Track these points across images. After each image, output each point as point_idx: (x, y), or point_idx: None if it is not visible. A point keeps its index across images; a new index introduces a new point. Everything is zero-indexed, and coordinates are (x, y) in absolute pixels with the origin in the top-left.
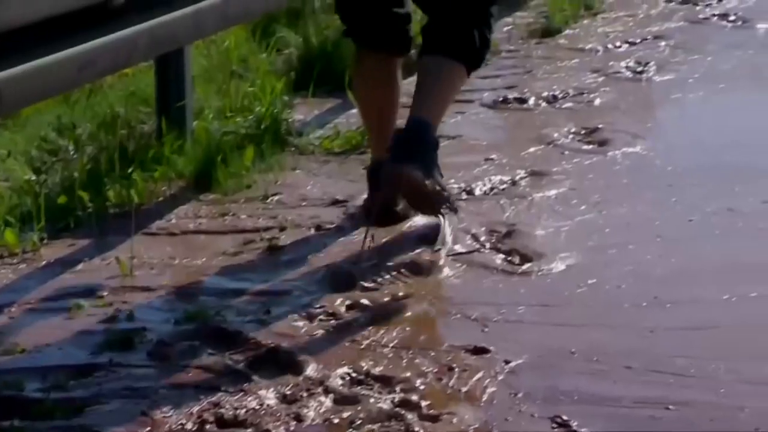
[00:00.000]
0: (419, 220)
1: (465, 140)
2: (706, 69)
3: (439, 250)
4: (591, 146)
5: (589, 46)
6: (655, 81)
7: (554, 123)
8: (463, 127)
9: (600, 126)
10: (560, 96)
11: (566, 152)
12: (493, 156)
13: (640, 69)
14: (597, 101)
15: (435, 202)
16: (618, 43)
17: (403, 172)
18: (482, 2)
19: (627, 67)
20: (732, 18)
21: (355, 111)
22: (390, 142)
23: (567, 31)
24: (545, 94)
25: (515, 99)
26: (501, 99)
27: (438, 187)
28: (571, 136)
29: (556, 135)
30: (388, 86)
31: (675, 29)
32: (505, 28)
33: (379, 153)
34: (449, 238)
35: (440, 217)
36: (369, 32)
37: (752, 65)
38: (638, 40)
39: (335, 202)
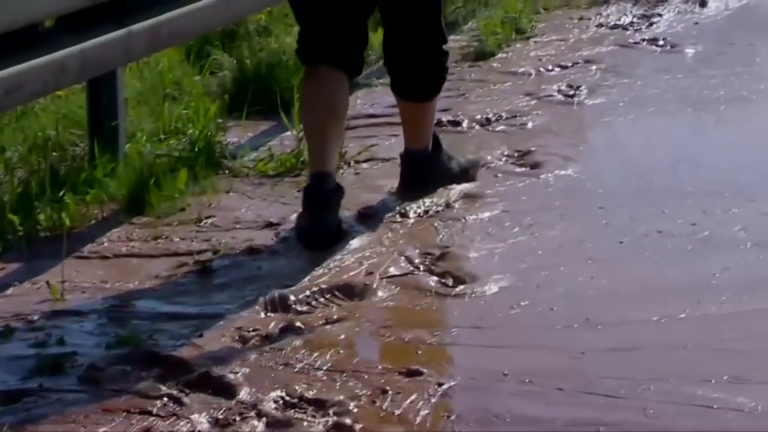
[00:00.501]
0: (355, 242)
1: (398, 161)
2: (636, 92)
3: None
4: (524, 169)
5: (522, 69)
6: (587, 104)
7: (487, 146)
8: (396, 149)
9: (532, 149)
10: (493, 119)
11: (499, 175)
12: None
13: (571, 92)
14: (530, 124)
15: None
16: (550, 67)
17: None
18: (436, 35)
19: (559, 91)
20: (661, 43)
21: (289, 133)
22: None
23: (500, 55)
24: (478, 116)
25: (449, 122)
26: (435, 122)
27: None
28: (504, 158)
29: (489, 158)
30: (337, 105)
31: (606, 53)
32: None
33: (313, 166)
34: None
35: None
36: (333, 51)
37: (680, 89)
38: (570, 64)
39: (269, 225)
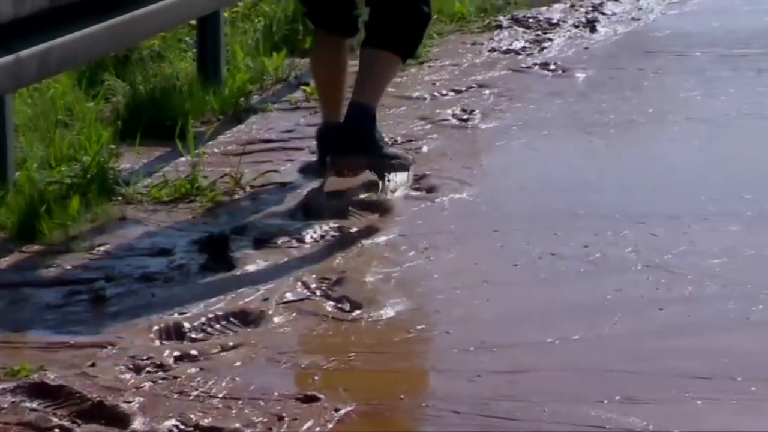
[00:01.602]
0: (251, 268)
1: (295, 186)
2: (528, 116)
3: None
4: (419, 193)
5: (417, 94)
6: (481, 128)
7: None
8: (292, 173)
9: (428, 173)
10: (389, 143)
11: (395, 199)
12: None
13: (465, 117)
14: (425, 148)
15: (377, 172)
16: (444, 91)
17: (345, 163)
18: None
19: (453, 115)
20: (552, 67)
21: (183, 159)
22: (334, 130)
23: (394, 80)
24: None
25: None
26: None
27: (377, 160)
28: (400, 182)
29: (386, 182)
30: (338, 63)
31: (499, 78)
32: None
33: (327, 118)
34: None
35: (387, 177)
36: (328, 18)
37: (572, 113)
38: (464, 89)
39: (163, 252)
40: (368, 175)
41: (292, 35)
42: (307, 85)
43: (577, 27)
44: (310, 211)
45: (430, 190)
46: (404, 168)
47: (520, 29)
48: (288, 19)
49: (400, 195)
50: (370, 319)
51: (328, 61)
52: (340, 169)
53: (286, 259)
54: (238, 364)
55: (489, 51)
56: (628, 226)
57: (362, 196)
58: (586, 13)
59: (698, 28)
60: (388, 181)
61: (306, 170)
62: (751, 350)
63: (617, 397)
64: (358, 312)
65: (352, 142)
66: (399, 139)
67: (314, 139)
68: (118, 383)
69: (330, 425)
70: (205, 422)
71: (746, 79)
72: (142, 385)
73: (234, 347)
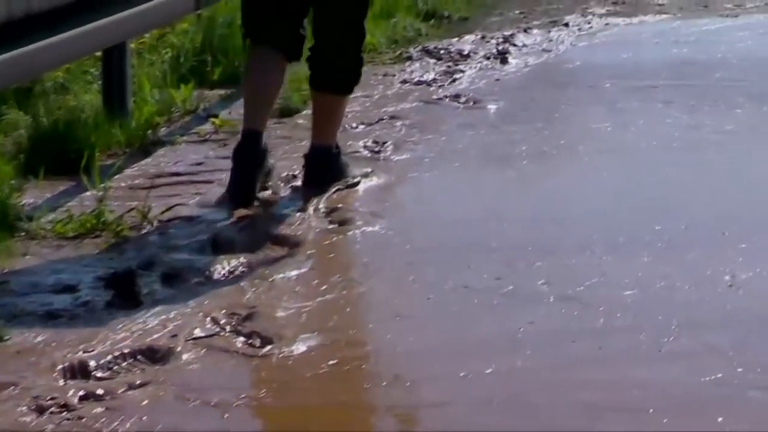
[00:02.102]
0: (158, 304)
1: (204, 220)
2: (440, 148)
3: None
4: (331, 225)
5: None
6: (393, 160)
7: (295, 203)
8: (201, 207)
9: (340, 205)
10: (299, 176)
11: (307, 232)
12: None
13: (377, 149)
14: None
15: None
16: (355, 124)
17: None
18: (353, 35)
19: (365, 147)
20: (463, 99)
21: (89, 194)
22: (303, 164)
23: (305, 111)
24: (285, 174)
25: None
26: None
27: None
28: (310, 214)
29: (297, 215)
30: (277, 78)
31: (410, 109)
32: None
33: (247, 124)
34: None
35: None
36: (273, 32)
37: (483, 145)
38: (375, 120)
39: (67, 289)
40: (277, 209)
41: (200, 66)
42: (216, 117)
43: (488, 58)
44: (219, 245)
45: (343, 222)
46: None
47: (432, 61)
48: (196, 51)
49: (311, 228)
50: (281, 355)
51: (264, 73)
52: (312, 195)
53: (194, 295)
54: (145, 402)
55: (400, 83)
56: (540, 258)
57: (273, 230)
58: (497, 44)
59: (608, 60)
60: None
61: (216, 203)
62: (662, 382)
63: (530, 430)
64: (268, 348)
65: (318, 181)
66: None
67: (230, 154)
68: (19, 426)
69: None
70: None
71: (655, 110)
72: (45, 427)
73: (141, 385)
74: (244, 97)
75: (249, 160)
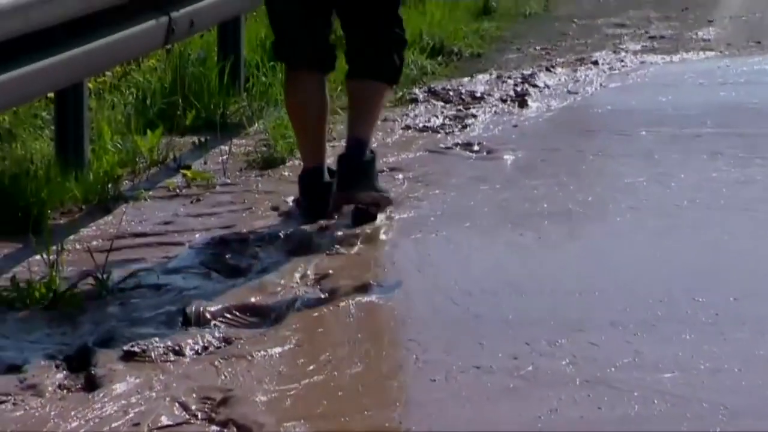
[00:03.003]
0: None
1: (173, 288)
2: (448, 205)
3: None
4: (321, 295)
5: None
6: (394, 219)
7: (277, 269)
8: (169, 273)
9: (330, 272)
10: (283, 236)
11: (292, 302)
12: None
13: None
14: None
15: (375, 207)
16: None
17: (349, 197)
18: (391, 25)
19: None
20: (476, 148)
21: (38, 257)
22: (336, 167)
23: (292, 161)
24: (267, 234)
25: (233, 240)
26: (215, 241)
27: (375, 195)
28: (296, 283)
29: (281, 282)
30: (319, 102)
31: (414, 160)
32: (220, 158)
33: (308, 162)
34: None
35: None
36: (305, 53)
37: (498, 201)
38: None
39: (12, 369)
40: (259, 274)
41: (170, 109)
42: (188, 168)
43: (504, 101)
44: (190, 317)
45: (333, 291)
46: (389, 204)
47: (439, 103)
48: (165, 91)
49: (298, 297)
50: None
51: (306, 100)
52: (344, 202)
53: (161, 375)
54: None
55: (403, 129)
56: (564, 335)
57: (254, 299)
58: (515, 85)
59: (644, 104)
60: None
61: (187, 268)
62: None
63: None
64: None
65: (357, 176)
66: (297, 232)
67: (297, 183)
68: None
69: None
70: None
71: (699, 163)
72: None
73: None
74: (294, 129)
75: (315, 195)
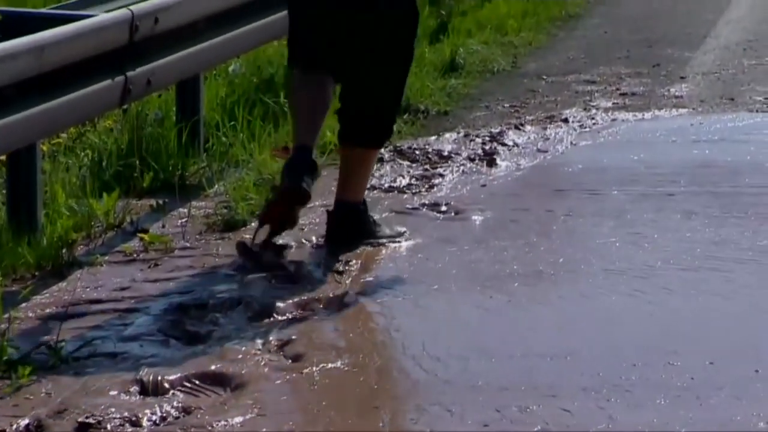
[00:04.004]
0: None
1: (130, 356)
2: (415, 267)
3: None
4: (283, 362)
5: (280, 241)
6: (360, 282)
7: (238, 335)
8: (129, 343)
9: (294, 337)
10: (245, 302)
11: (253, 370)
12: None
13: (340, 268)
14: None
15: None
16: (313, 238)
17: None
18: (391, 91)
19: (325, 265)
20: (443, 209)
21: None
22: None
23: (253, 224)
24: (228, 299)
25: (192, 306)
26: (174, 308)
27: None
28: (259, 350)
29: (242, 349)
30: (326, 103)
31: (380, 222)
32: (179, 221)
33: (299, 140)
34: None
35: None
36: (321, 56)
37: (467, 263)
38: None
39: None
40: (220, 340)
41: (127, 171)
42: (146, 232)
43: (472, 160)
44: (148, 386)
45: (297, 358)
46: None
47: (405, 163)
48: (121, 152)
49: (260, 364)
50: None
51: (311, 94)
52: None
53: None
54: None
55: (368, 189)
56: (535, 401)
57: (214, 366)
58: (483, 143)
59: (615, 163)
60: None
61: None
62: None
63: None
64: None
65: (343, 238)
66: (259, 296)
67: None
68: None
69: None
70: None
71: (672, 222)
72: None
73: None
74: (291, 115)
75: (300, 168)
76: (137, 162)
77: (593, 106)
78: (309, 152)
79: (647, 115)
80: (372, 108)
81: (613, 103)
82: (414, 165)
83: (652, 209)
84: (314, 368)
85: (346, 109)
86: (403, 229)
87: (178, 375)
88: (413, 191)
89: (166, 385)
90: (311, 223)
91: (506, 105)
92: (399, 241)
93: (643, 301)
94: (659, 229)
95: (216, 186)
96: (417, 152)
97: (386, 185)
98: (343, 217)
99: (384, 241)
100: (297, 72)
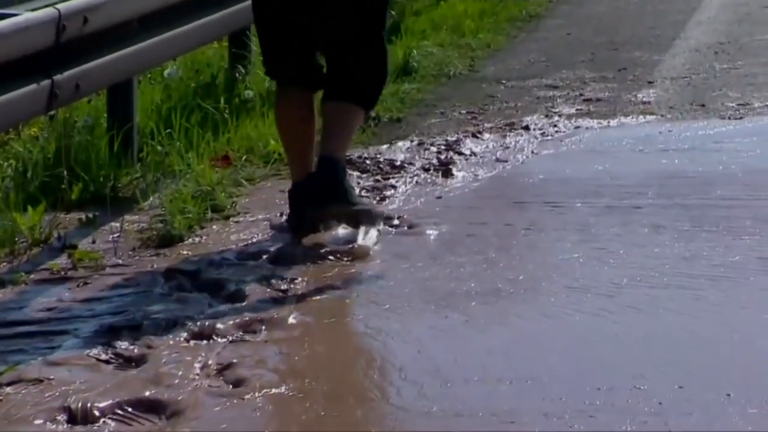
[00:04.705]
0: None
1: (56, 385)
2: (366, 285)
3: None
4: (223, 387)
5: (218, 257)
6: (306, 302)
7: (175, 359)
8: (56, 368)
9: (234, 361)
10: (182, 323)
11: (192, 396)
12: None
13: (284, 286)
14: (230, 329)
15: (352, 222)
16: (253, 251)
17: (323, 214)
18: (372, 50)
19: (268, 284)
20: (396, 222)
21: None
22: (307, 182)
23: (191, 239)
24: (163, 320)
25: (124, 328)
26: (105, 330)
27: (354, 209)
28: (197, 375)
29: (179, 373)
30: (307, 118)
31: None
32: (111, 237)
33: (298, 176)
34: (372, 234)
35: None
36: (294, 71)
37: (421, 280)
38: (276, 248)
39: None
40: (155, 365)
41: (54, 183)
42: (75, 248)
43: (427, 170)
44: (77, 414)
45: (238, 383)
46: (375, 218)
47: (355, 173)
48: (48, 162)
49: (198, 390)
50: None
51: (295, 116)
52: (315, 222)
53: None
54: None
55: None
56: (494, 427)
57: (148, 392)
58: (439, 152)
59: (579, 173)
60: (365, 233)
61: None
62: None
63: None
64: None
65: (326, 194)
66: (195, 316)
67: (288, 199)
68: None
69: None
70: None
71: (639, 237)
72: None
73: None
74: (283, 144)
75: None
76: (65, 172)
77: (555, 113)
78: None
79: (613, 122)
80: (356, 69)
81: (577, 110)
82: (364, 175)
83: (618, 223)
84: (257, 394)
85: (331, 76)
86: (384, 210)
87: (110, 402)
88: None
89: (97, 413)
90: (254, 238)
91: (463, 111)
92: (377, 217)
93: (608, 321)
94: (625, 244)
95: (151, 198)
96: (368, 162)
97: None
98: (325, 170)
99: (362, 208)
100: (277, 86)
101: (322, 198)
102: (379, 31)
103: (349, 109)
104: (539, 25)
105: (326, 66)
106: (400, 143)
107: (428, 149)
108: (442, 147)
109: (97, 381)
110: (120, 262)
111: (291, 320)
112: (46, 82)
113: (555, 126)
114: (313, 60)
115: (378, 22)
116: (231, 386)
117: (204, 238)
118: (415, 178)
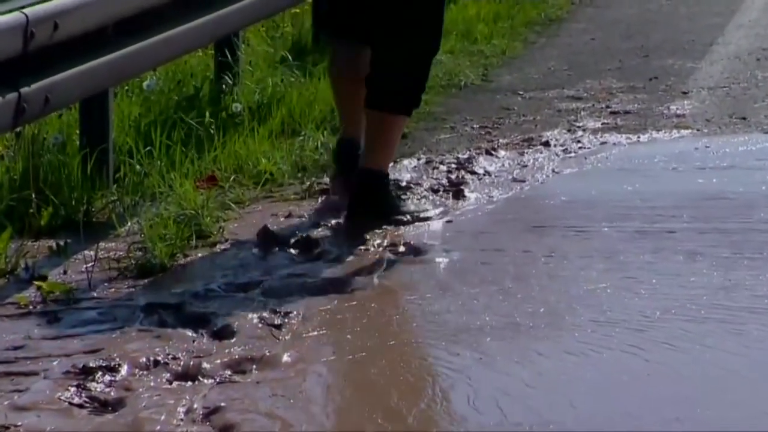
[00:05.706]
0: None
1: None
2: (368, 320)
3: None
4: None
5: (201, 288)
6: (301, 338)
7: (156, 402)
8: (24, 413)
9: (223, 404)
10: (162, 362)
11: None
12: None
13: (277, 321)
14: (216, 368)
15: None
16: (242, 281)
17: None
18: (421, 54)
19: (261, 319)
20: (401, 249)
21: None
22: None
23: (173, 269)
24: (143, 360)
25: (100, 368)
26: (78, 370)
27: (395, 219)
28: (181, 419)
29: (161, 418)
30: (355, 80)
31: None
32: (84, 266)
33: (345, 132)
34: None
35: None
36: (345, 22)
37: (430, 314)
38: (269, 278)
39: None
40: (128, 411)
41: (21, 207)
42: (44, 279)
43: (436, 191)
44: None
45: (226, 429)
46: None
47: None
48: (14, 184)
49: None
50: None
51: (343, 78)
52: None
53: None
54: None
55: (311, 226)
56: None
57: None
58: (449, 171)
59: (605, 195)
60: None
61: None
62: None
63: None
64: None
65: (365, 208)
66: (179, 355)
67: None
68: None
69: None
70: None
71: (673, 265)
72: None
73: None
74: (335, 102)
75: (349, 165)
76: (33, 195)
77: (579, 127)
78: (355, 146)
79: (643, 137)
80: (400, 73)
81: (603, 124)
82: None
83: (650, 249)
84: None
85: (375, 74)
86: (429, 207)
87: None
88: None
89: None
90: (243, 267)
91: (476, 126)
92: (425, 219)
93: (639, 359)
94: (658, 272)
95: (128, 224)
96: None
97: (334, 221)
98: (366, 186)
99: (409, 217)
100: (329, 39)
101: (363, 214)
102: (431, 40)
103: (391, 119)
104: (560, 29)
105: (372, 64)
106: (405, 161)
107: (437, 168)
108: (453, 165)
109: (70, 427)
110: (94, 294)
111: (285, 359)
112: (12, 95)
113: (578, 142)
114: (364, 18)
115: (431, 30)
116: (218, 431)
117: (188, 267)
118: (423, 200)
